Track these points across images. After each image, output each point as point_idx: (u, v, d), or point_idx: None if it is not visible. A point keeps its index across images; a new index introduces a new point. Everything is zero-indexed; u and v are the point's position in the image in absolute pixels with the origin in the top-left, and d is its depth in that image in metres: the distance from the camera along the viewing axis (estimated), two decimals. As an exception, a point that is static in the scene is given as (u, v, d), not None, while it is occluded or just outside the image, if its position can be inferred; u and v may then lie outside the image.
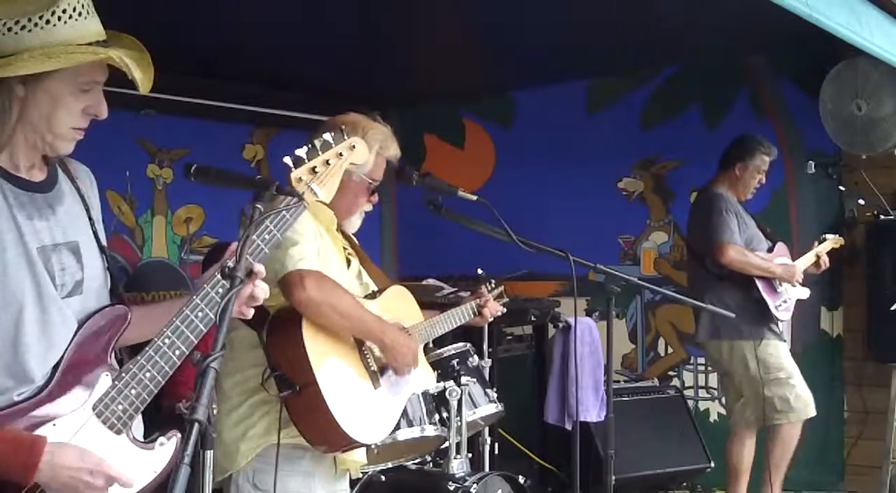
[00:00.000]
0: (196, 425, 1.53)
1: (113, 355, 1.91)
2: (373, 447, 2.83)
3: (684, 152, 5.71)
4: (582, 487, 3.25)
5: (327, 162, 2.03)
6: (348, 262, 2.75)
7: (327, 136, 2.04)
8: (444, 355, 3.90)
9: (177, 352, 1.82)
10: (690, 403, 5.71)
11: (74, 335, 1.87)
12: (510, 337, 5.73)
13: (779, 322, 4.68)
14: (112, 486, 1.79)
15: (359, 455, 2.71)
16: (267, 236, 1.92)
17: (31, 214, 1.86)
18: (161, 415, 2.59)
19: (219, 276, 1.83)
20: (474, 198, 2.94)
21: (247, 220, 1.92)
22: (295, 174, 1.98)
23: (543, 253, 3.07)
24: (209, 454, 1.59)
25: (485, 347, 4.32)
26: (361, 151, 2.14)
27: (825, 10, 3.28)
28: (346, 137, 2.09)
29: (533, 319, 5.52)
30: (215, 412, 2.72)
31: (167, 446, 1.91)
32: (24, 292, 1.81)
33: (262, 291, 1.90)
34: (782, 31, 4.11)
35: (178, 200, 5.74)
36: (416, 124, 6.92)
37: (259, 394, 2.52)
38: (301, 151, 2.00)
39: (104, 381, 1.86)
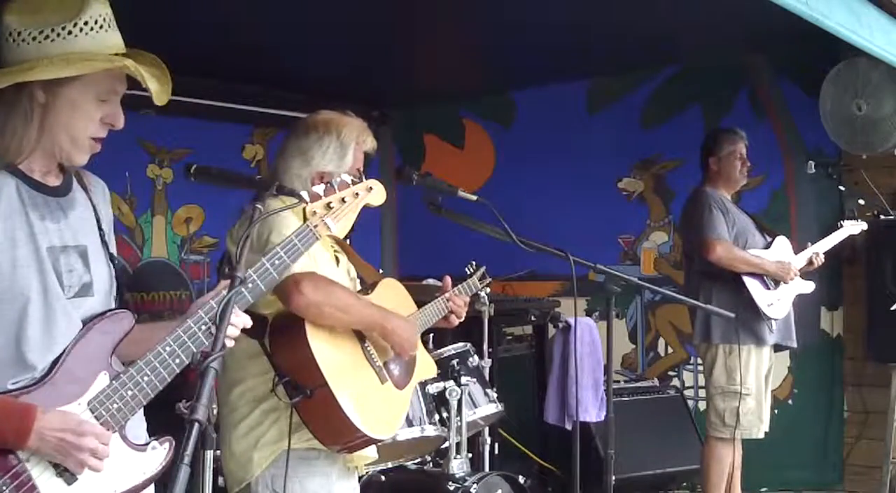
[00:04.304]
0: (196, 425, 1.53)
1: (114, 358, 1.92)
2: (386, 440, 2.85)
3: (684, 152, 5.69)
4: (582, 487, 3.24)
5: (343, 200, 2.12)
6: (336, 260, 2.76)
7: (345, 176, 2.14)
8: (444, 355, 3.91)
9: (176, 361, 1.85)
10: (690, 403, 5.70)
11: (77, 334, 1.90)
12: (510, 337, 5.73)
13: (772, 322, 4.52)
14: (99, 445, 1.79)
15: (369, 451, 2.72)
16: (277, 262, 1.97)
17: (43, 215, 1.90)
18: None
19: (224, 292, 1.86)
20: (474, 198, 2.94)
21: (247, 219, 1.93)
22: (310, 208, 2.06)
23: (543, 253, 3.07)
24: (209, 454, 1.59)
25: (485, 347, 4.32)
26: (378, 193, 2.23)
27: (825, 9, 3.28)
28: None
29: (533, 319, 5.53)
30: (215, 411, 2.73)
31: (159, 450, 1.92)
32: (31, 288, 1.85)
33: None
34: (782, 31, 4.11)
35: (178, 200, 5.74)
36: (416, 124, 6.93)
37: (267, 401, 2.52)
38: (319, 188, 2.08)
39: (102, 379, 1.87)
